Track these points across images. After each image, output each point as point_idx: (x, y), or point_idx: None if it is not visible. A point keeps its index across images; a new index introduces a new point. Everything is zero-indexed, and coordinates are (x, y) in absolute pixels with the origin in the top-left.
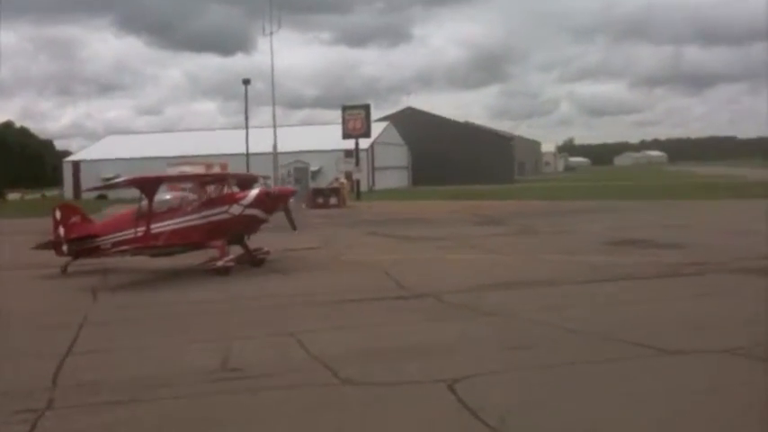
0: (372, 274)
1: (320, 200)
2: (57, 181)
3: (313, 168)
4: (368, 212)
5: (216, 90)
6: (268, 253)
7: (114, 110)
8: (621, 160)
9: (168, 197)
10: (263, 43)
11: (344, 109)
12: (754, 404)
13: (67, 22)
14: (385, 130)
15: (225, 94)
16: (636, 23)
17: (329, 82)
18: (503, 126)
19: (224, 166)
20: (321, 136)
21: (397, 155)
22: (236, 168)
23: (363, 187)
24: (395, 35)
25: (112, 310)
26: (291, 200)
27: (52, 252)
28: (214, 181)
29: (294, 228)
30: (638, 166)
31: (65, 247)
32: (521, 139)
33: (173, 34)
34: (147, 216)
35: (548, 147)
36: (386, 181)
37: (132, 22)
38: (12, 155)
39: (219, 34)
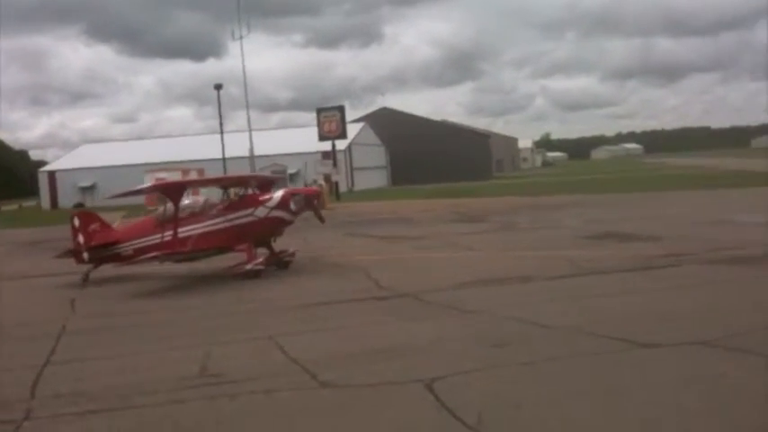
0: (352, 275)
1: None
2: (33, 191)
3: (291, 171)
4: (348, 213)
5: (189, 96)
6: (293, 255)
7: (88, 119)
8: (598, 153)
9: (189, 202)
10: (234, 48)
11: (319, 111)
12: (730, 395)
13: (37, 32)
14: (361, 130)
15: (199, 100)
16: (605, 17)
17: (303, 84)
18: (479, 123)
19: (201, 172)
20: (297, 139)
21: (375, 155)
22: (214, 173)
23: (342, 188)
24: (366, 35)
25: (92, 319)
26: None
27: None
28: (236, 183)
29: (322, 221)
30: (615, 159)
31: (85, 255)
32: (497, 135)
33: (143, 41)
34: (174, 221)
35: (524, 143)
36: (365, 181)
37: (102, 31)
38: None
39: (190, 40)
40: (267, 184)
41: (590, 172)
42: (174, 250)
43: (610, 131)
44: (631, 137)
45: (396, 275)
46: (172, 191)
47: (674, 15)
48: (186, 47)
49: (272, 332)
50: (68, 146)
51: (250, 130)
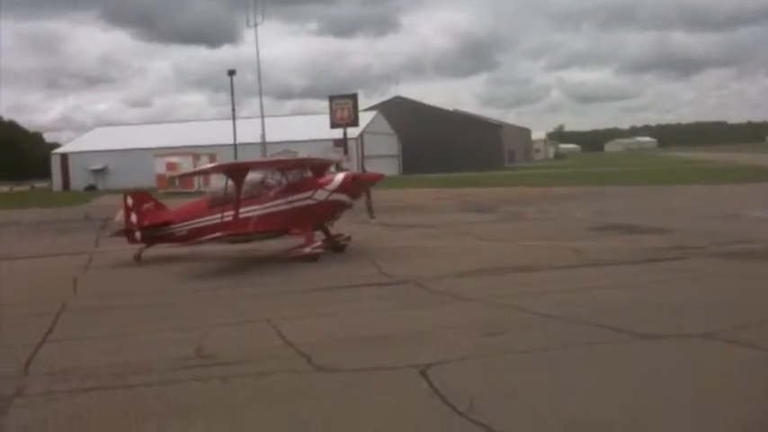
0: (356, 261)
1: None
2: (46, 173)
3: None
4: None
5: (204, 82)
6: (349, 239)
7: (103, 102)
8: (612, 146)
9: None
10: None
11: (332, 99)
12: (732, 388)
13: (54, 17)
14: (374, 119)
15: (213, 86)
16: (621, 9)
17: (317, 72)
18: (492, 114)
19: (212, 157)
20: (310, 126)
21: (387, 143)
22: (225, 158)
23: None
24: (382, 24)
25: (93, 299)
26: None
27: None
28: (295, 166)
29: (372, 216)
30: (628, 153)
31: (138, 234)
32: (510, 126)
33: (159, 27)
34: (236, 202)
35: (538, 134)
36: (375, 169)
37: (118, 16)
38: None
39: (205, 26)
40: (322, 168)
41: (602, 164)
42: (236, 231)
43: (624, 124)
44: (646, 130)
45: (399, 262)
46: (235, 172)
47: (690, 9)
48: (202, 33)
49: (270, 316)
50: (83, 129)
51: (263, 117)
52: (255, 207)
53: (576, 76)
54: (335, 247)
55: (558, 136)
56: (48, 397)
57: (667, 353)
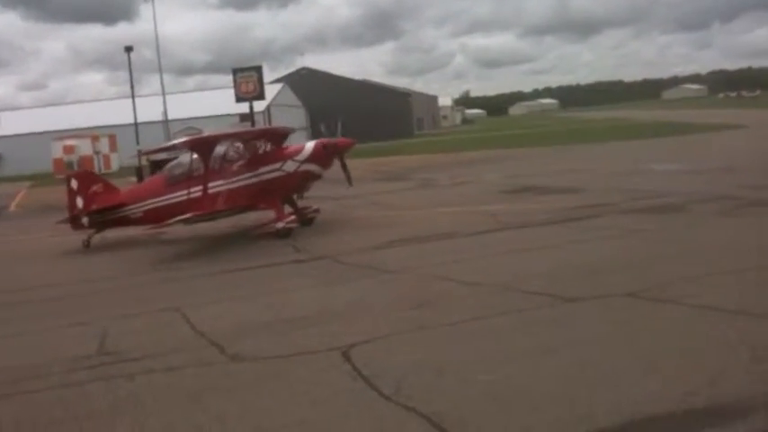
0: (269, 239)
1: None
2: None
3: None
4: None
5: (101, 61)
6: (318, 211)
7: None
8: (516, 110)
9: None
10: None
11: (235, 72)
12: (660, 347)
13: None
14: (280, 91)
15: (111, 65)
16: None
17: (220, 46)
18: (399, 82)
19: (112, 138)
20: (214, 101)
21: (295, 116)
22: (126, 139)
23: None
24: None
25: None
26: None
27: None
28: (259, 137)
29: (350, 183)
30: (532, 115)
31: (85, 220)
32: (418, 94)
33: (50, 6)
34: (204, 179)
35: (444, 100)
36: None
37: None
38: None
39: (99, 3)
40: (279, 138)
41: (508, 128)
42: (207, 210)
43: (527, 88)
44: (547, 92)
45: (313, 238)
46: (201, 146)
47: None
48: (96, 10)
49: (178, 303)
50: None
51: (164, 94)
52: (220, 182)
53: (479, 41)
54: (303, 220)
55: (465, 102)
56: None
57: (597, 314)
